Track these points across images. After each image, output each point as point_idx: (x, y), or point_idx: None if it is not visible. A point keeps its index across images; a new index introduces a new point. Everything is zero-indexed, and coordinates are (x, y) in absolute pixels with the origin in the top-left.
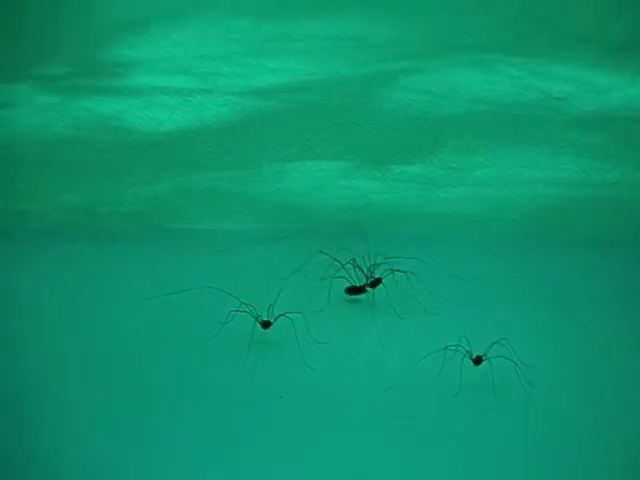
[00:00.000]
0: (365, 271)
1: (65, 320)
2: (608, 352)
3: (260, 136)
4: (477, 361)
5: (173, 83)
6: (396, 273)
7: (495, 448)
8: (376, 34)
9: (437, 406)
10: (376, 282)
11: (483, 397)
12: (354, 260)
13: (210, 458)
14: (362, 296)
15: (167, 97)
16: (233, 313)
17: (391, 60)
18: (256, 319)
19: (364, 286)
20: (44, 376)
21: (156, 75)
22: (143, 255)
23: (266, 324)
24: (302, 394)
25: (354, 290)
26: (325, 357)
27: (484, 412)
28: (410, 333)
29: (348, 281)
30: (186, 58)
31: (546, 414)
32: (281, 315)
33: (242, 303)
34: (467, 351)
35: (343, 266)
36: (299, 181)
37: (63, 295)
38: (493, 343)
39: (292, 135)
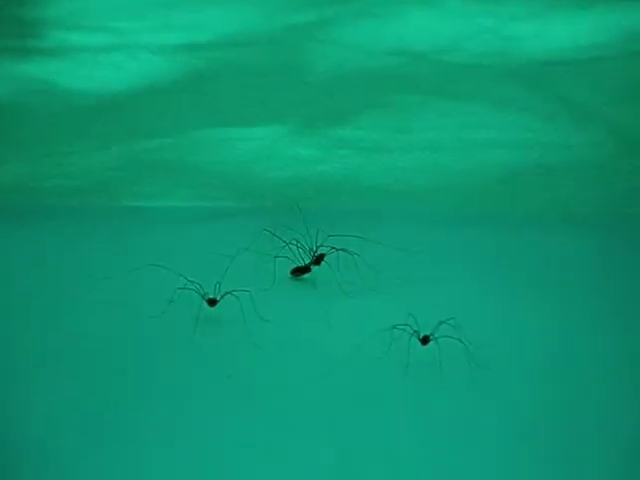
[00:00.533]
0: (308, 250)
1: (10, 304)
2: (560, 331)
3: (190, 100)
4: (424, 341)
5: (97, 41)
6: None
7: (442, 428)
8: None
9: (384, 386)
10: (319, 259)
11: (430, 378)
12: (297, 241)
13: (160, 437)
14: (308, 275)
15: (94, 56)
16: (179, 291)
17: (314, 8)
18: (202, 297)
19: (308, 265)
20: None
21: (82, 34)
22: (86, 234)
23: (212, 302)
24: (249, 373)
25: (299, 270)
26: (272, 336)
27: (431, 392)
28: (357, 312)
29: (292, 261)
30: (103, 14)
31: (494, 396)
32: (227, 293)
33: (188, 281)
34: (415, 330)
35: (287, 245)
36: (239, 150)
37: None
38: (441, 322)
39: (222, 99)
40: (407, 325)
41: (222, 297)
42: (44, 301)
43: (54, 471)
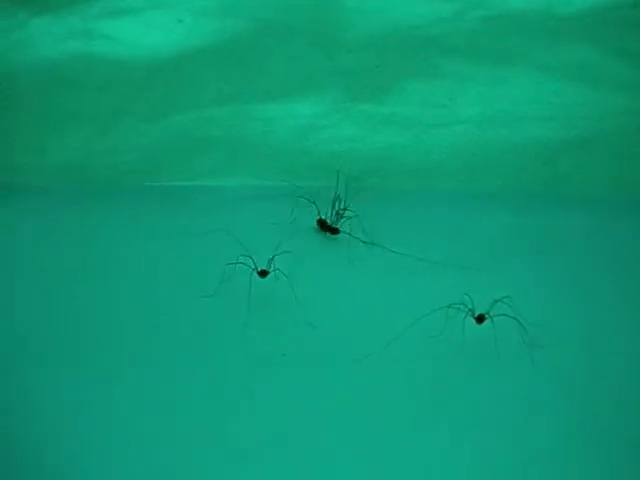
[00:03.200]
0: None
1: (67, 272)
2: (618, 312)
3: (234, 71)
4: (480, 319)
5: (142, 4)
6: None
7: (496, 409)
8: None
9: (439, 365)
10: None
11: (486, 357)
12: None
13: (213, 419)
14: (365, 252)
15: (140, 20)
16: (231, 266)
17: None
18: (254, 269)
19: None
20: (40, 327)
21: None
22: (136, 214)
23: (263, 273)
24: (303, 351)
25: (325, 227)
26: (325, 314)
27: (487, 372)
28: (411, 291)
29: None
30: None
31: (550, 374)
32: (273, 258)
33: (241, 255)
34: (469, 309)
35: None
36: (281, 128)
37: (59, 252)
38: (496, 301)
39: (266, 71)
40: (462, 304)
41: (273, 270)
42: (99, 281)
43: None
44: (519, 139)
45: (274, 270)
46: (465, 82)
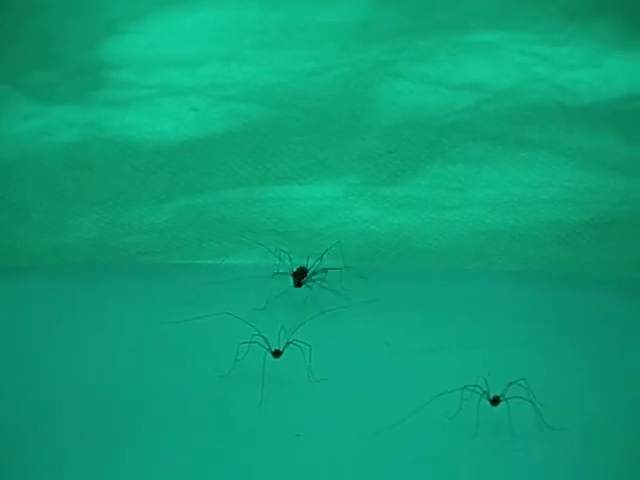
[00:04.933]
0: None
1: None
2: (638, 397)
3: (247, 154)
4: (495, 401)
5: (155, 91)
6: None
7: None
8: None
9: (454, 447)
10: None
11: (501, 439)
12: None
13: None
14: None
15: (152, 106)
16: (244, 345)
17: (380, 49)
18: (267, 349)
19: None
20: (51, 407)
21: (140, 83)
22: (149, 291)
23: (277, 353)
24: (316, 432)
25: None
26: (336, 392)
27: (501, 455)
28: (425, 371)
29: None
30: (166, 57)
31: (566, 458)
32: (289, 343)
33: (254, 335)
34: (484, 392)
35: None
36: (296, 209)
37: (71, 332)
38: (511, 383)
39: (279, 155)
40: (477, 386)
41: (285, 346)
42: (110, 360)
43: None
44: (534, 222)
45: (291, 343)
46: (479, 166)
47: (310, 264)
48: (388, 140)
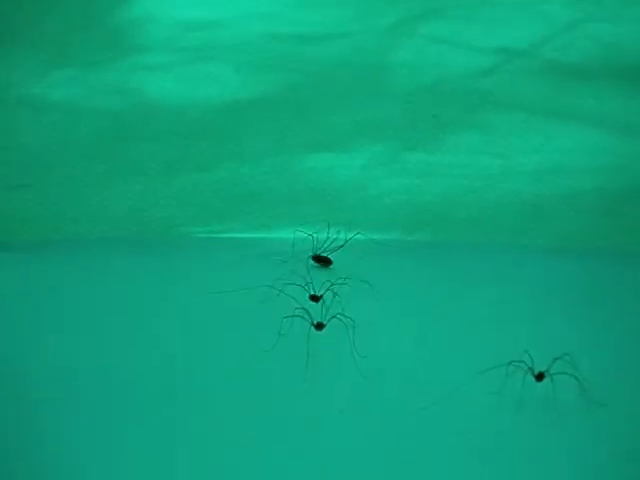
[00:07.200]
0: None
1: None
2: None
3: (286, 122)
4: (539, 377)
5: (193, 55)
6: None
7: (555, 467)
8: None
9: (498, 421)
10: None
11: (546, 415)
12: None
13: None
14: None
15: (191, 71)
16: (287, 319)
17: (404, 9)
18: (311, 323)
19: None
20: (93, 378)
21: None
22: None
23: (320, 326)
24: (360, 406)
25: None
26: (382, 365)
27: (546, 431)
28: (470, 345)
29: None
30: (198, 27)
31: (610, 434)
32: (333, 317)
33: (296, 308)
34: (529, 367)
35: None
36: (333, 178)
37: (113, 304)
38: (556, 359)
39: (317, 121)
40: (522, 361)
41: (329, 320)
42: (152, 334)
43: None
44: (576, 191)
45: (334, 317)
46: (521, 134)
47: (348, 237)
48: (429, 104)
